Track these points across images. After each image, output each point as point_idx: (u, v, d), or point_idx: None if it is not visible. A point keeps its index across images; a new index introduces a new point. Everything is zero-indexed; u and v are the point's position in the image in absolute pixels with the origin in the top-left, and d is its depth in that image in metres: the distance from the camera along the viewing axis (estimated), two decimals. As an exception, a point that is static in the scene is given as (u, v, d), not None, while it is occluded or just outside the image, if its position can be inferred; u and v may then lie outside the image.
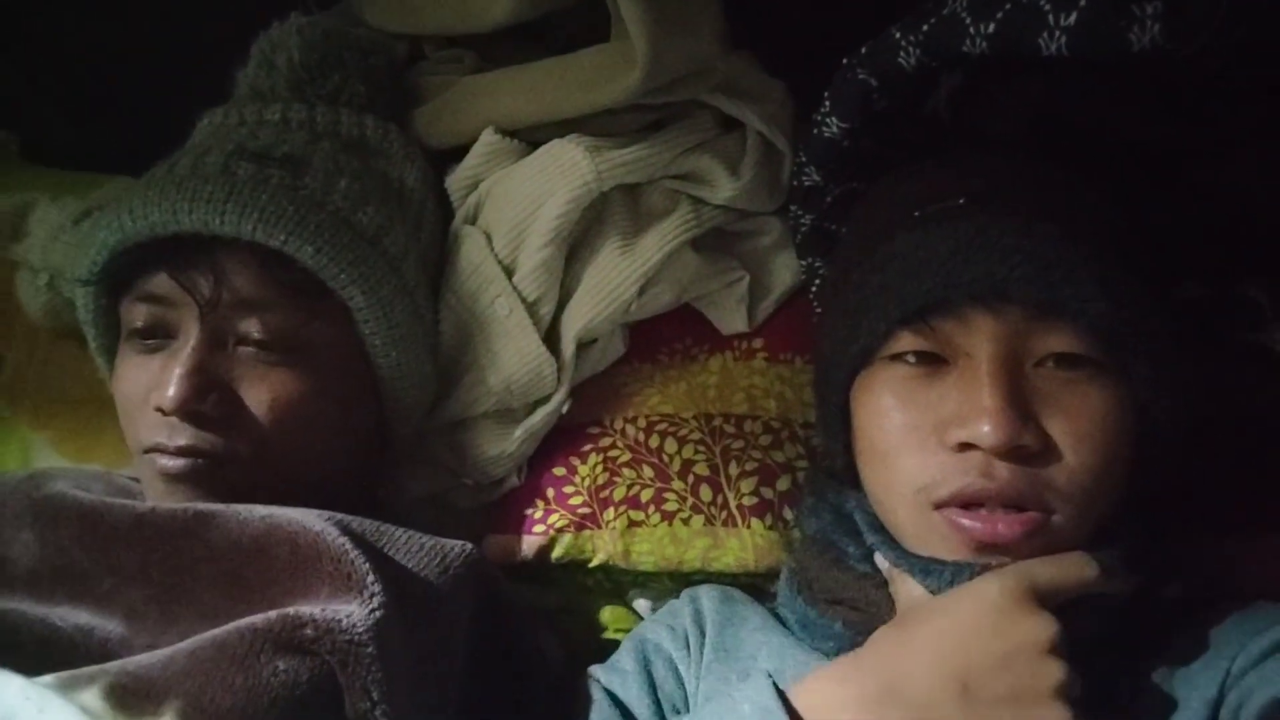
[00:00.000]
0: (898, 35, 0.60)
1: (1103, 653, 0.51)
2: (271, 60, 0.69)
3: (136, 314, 0.61)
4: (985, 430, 0.51)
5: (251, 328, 0.60)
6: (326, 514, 0.55)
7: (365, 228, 0.64)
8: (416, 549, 0.58)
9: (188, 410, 0.58)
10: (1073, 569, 0.52)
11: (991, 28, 0.56)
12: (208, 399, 0.59)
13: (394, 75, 0.75)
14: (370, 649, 0.50)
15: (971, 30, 0.57)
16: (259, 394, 0.60)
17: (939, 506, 0.54)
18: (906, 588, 0.55)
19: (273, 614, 0.50)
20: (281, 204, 0.61)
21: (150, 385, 0.60)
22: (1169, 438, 0.56)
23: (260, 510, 0.56)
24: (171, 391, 0.58)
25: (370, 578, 0.52)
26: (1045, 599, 0.50)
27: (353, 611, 0.50)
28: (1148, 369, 0.53)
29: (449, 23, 0.73)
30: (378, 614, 0.51)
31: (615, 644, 0.71)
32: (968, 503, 0.53)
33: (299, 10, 0.73)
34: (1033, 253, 0.53)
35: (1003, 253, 0.53)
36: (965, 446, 0.53)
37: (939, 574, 0.54)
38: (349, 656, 0.49)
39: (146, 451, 0.60)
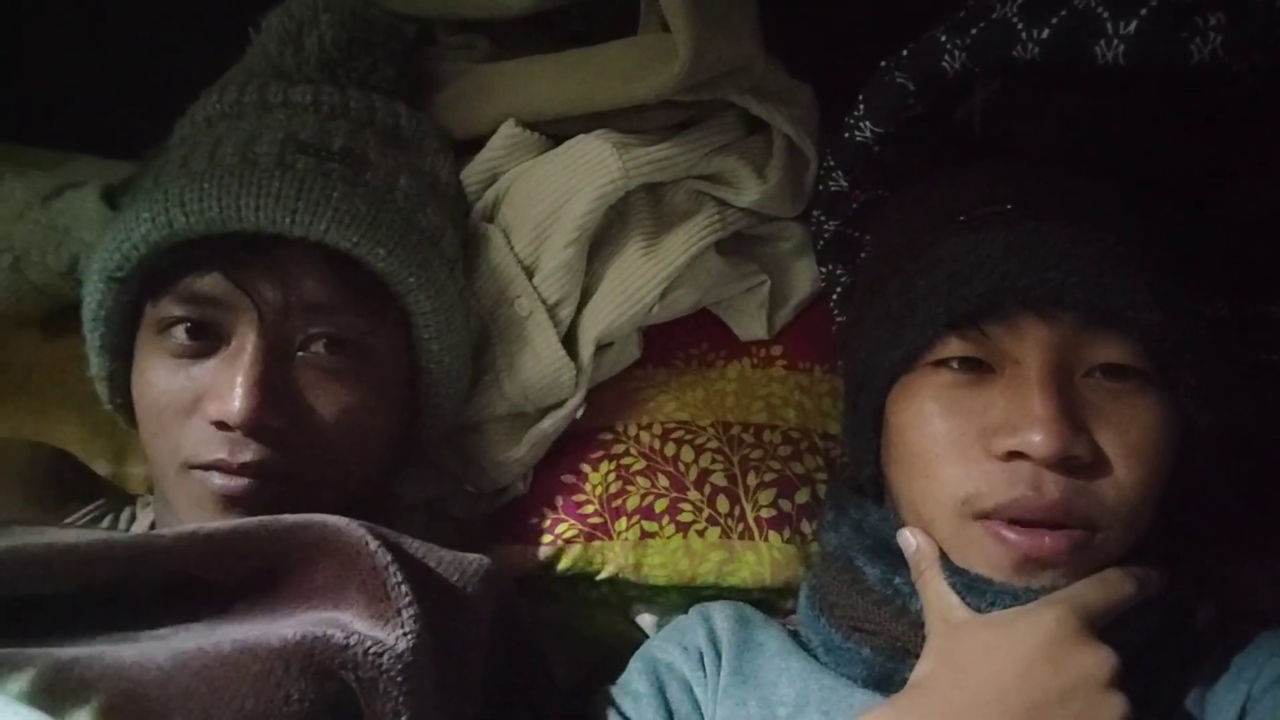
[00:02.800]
0: (943, 38, 0.59)
1: (1137, 676, 0.50)
2: (298, 38, 0.64)
3: (177, 316, 0.56)
4: (1037, 439, 0.50)
5: (318, 334, 0.56)
6: (359, 521, 0.51)
7: (427, 229, 0.61)
8: (435, 562, 0.55)
9: (256, 423, 0.53)
10: (1115, 589, 0.51)
11: (1045, 33, 0.55)
12: (276, 411, 0.54)
13: (412, 60, 0.71)
14: (402, 679, 0.46)
15: (1024, 35, 0.56)
16: (327, 405, 0.56)
17: (980, 518, 0.52)
18: (941, 602, 0.53)
19: (296, 633, 0.46)
20: (355, 203, 0.56)
21: (194, 395, 0.55)
22: (1207, 455, 0.55)
23: (289, 516, 0.51)
24: (239, 404, 0.53)
25: (407, 600, 0.48)
26: (1095, 625, 0.49)
27: (385, 639, 0.46)
28: (1196, 383, 0.53)
29: (467, 6, 0.69)
30: (412, 642, 0.47)
31: (616, 660, 0.68)
32: (1014, 517, 0.51)
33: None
34: (1088, 260, 0.52)
35: (1058, 258, 0.52)
36: (1013, 456, 0.51)
37: (982, 592, 0.52)
38: (377, 686, 0.46)
39: (195, 468, 0.55)
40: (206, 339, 0.56)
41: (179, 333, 0.56)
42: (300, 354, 0.57)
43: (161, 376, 0.56)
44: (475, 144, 0.70)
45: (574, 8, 0.70)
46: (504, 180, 0.68)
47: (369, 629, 0.47)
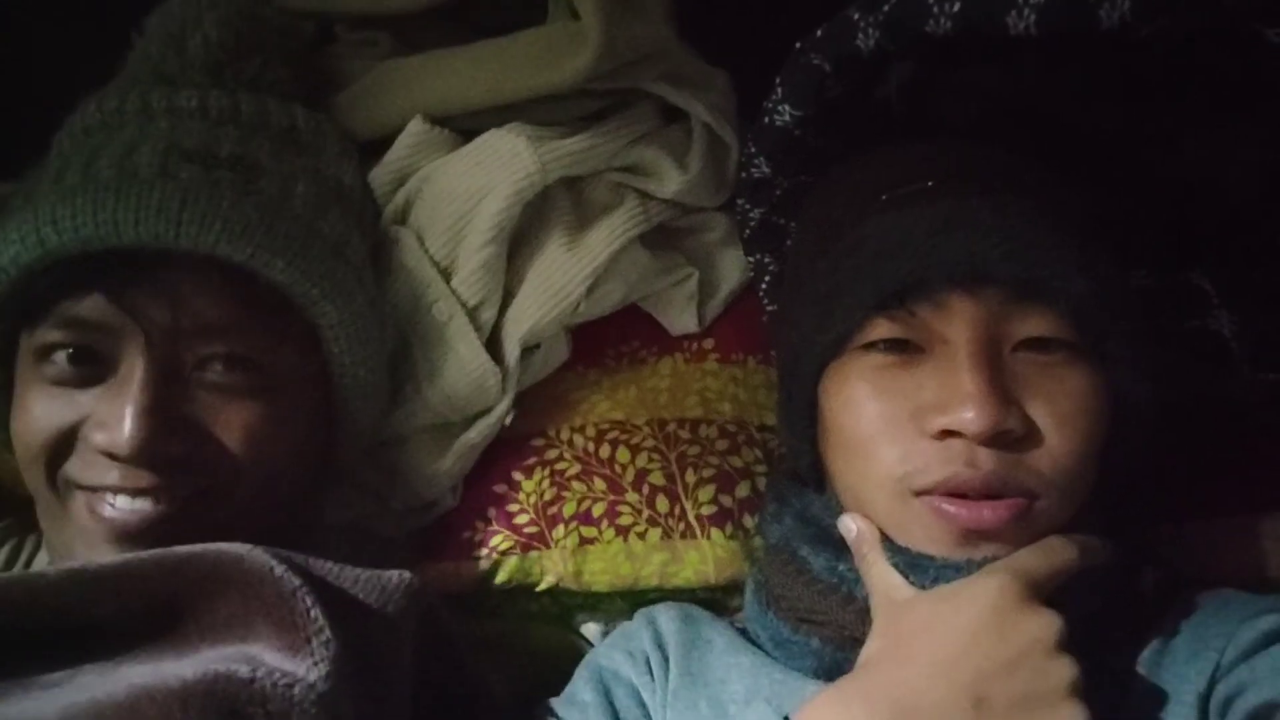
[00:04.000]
0: (855, 17, 0.58)
1: (1086, 643, 0.49)
2: (181, 40, 0.60)
3: (56, 342, 0.52)
4: (969, 416, 0.49)
5: (214, 354, 0.53)
6: (263, 548, 0.48)
7: (329, 236, 0.58)
8: (351, 583, 0.51)
9: (146, 453, 0.49)
10: (1058, 555, 0.50)
11: (957, 7, 0.54)
12: (168, 437, 0.51)
13: (310, 59, 0.67)
14: (316, 711, 0.43)
15: (935, 9, 0.55)
16: (229, 427, 0.53)
17: (918, 494, 0.52)
18: (884, 583, 0.52)
19: (197, 671, 0.42)
20: (246, 212, 0.53)
21: (76, 423, 0.51)
22: (1140, 422, 0.55)
23: (183, 548, 0.48)
24: (127, 432, 0.49)
25: (318, 626, 0.45)
26: (1039, 592, 0.48)
27: (296, 670, 0.43)
28: (1126, 352, 0.53)
29: (364, 2, 0.66)
30: (326, 670, 0.44)
31: (560, 674, 0.66)
32: (951, 492, 0.51)
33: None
34: (1012, 232, 0.51)
35: (982, 232, 0.51)
36: (947, 434, 0.51)
37: (925, 569, 0.51)
38: None
39: (83, 489, 0.51)
40: (90, 365, 0.52)
41: (60, 359, 0.52)
42: (196, 374, 0.53)
43: (43, 406, 0.52)
44: (382, 145, 0.67)
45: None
46: (414, 180, 0.65)
47: (279, 660, 0.44)
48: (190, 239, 0.51)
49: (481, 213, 0.62)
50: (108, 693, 0.42)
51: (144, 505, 0.51)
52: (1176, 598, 0.55)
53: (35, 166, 0.61)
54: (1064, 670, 0.46)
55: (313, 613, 0.45)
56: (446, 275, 0.63)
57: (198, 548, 0.48)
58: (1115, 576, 0.53)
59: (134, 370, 0.51)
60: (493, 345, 0.64)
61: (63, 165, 0.55)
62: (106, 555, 0.51)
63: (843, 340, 0.54)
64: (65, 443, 0.51)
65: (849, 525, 0.54)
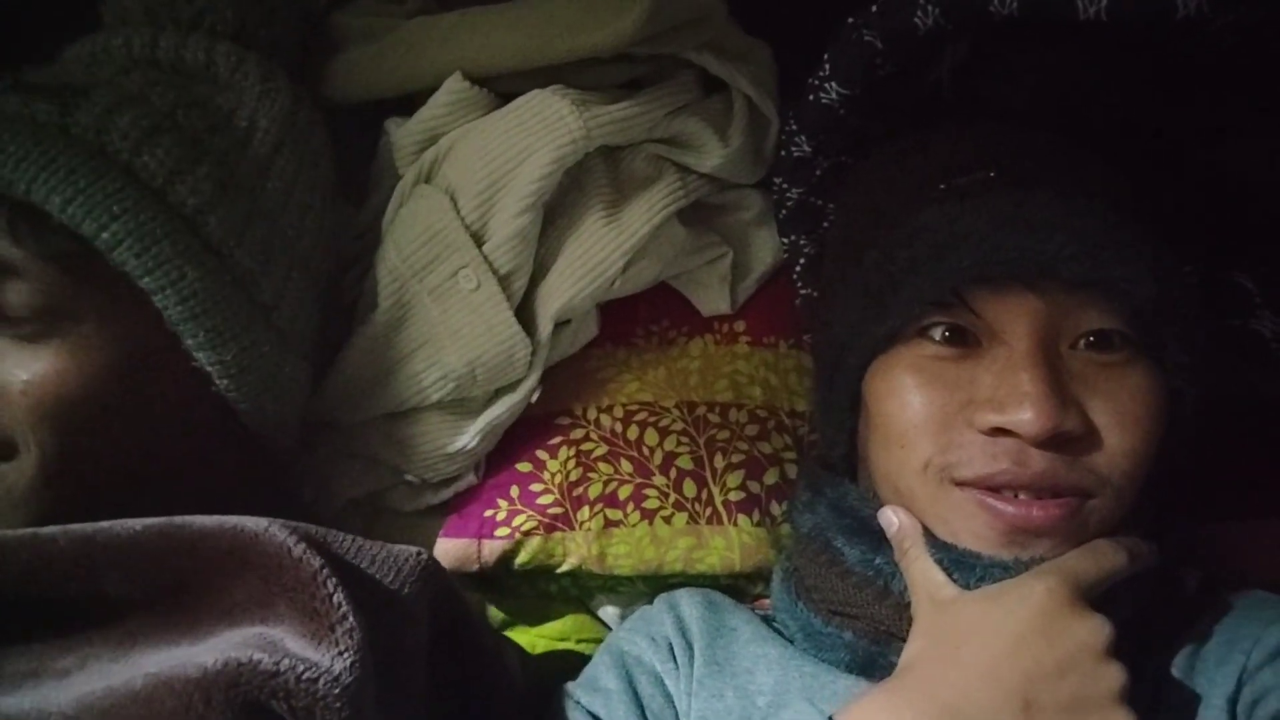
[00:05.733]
0: (914, -8, 0.56)
1: (1128, 646, 0.49)
2: None
3: None
4: (1027, 417, 0.48)
5: (10, 298, 0.49)
6: (280, 521, 0.45)
7: (150, 172, 0.52)
8: (368, 561, 0.49)
9: None
10: (1107, 559, 0.49)
11: (1029, -12, 0.52)
12: None
13: (296, 9, 0.63)
14: (340, 705, 0.41)
15: (1001, -9, 0.53)
16: (10, 377, 0.49)
17: (960, 485, 0.50)
18: (927, 581, 0.51)
19: (218, 660, 0.40)
20: (24, 143, 0.49)
21: None
22: (1189, 423, 0.54)
23: (201, 519, 0.45)
24: None
25: (343, 613, 0.43)
26: (1087, 596, 0.48)
27: (320, 661, 0.41)
28: (1184, 353, 0.52)
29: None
30: (351, 661, 0.42)
31: (577, 656, 0.65)
32: (995, 487, 0.50)
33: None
34: (1078, 229, 0.50)
35: (1046, 229, 0.50)
36: (999, 432, 0.49)
37: (971, 567, 0.50)
38: (314, 715, 0.40)
39: None
40: None
41: None
42: None
43: None
44: (405, 105, 0.64)
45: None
46: (447, 140, 0.62)
47: (302, 649, 0.41)
48: None
49: (520, 177, 0.59)
50: (124, 681, 0.40)
51: None
52: (1212, 600, 0.55)
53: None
54: (1113, 676, 0.45)
55: (336, 598, 0.43)
56: (478, 240, 0.60)
57: (213, 521, 0.45)
58: (1157, 579, 0.53)
59: None
60: (521, 318, 0.61)
61: None
62: None
63: (896, 333, 0.53)
64: None
65: (890, 518, 0.53)
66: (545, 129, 0.59)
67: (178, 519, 0.46)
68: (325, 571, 0.44)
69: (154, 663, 0.42)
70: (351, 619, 0.43)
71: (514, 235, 0.59)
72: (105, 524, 0.46)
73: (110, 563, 0.45)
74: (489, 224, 0.60)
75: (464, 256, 0.60)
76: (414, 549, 0.52)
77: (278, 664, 0.41)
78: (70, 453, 0.50)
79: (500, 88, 0.62)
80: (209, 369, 0.54)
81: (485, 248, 0.60)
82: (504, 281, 0.60)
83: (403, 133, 0.63)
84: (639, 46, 0.59)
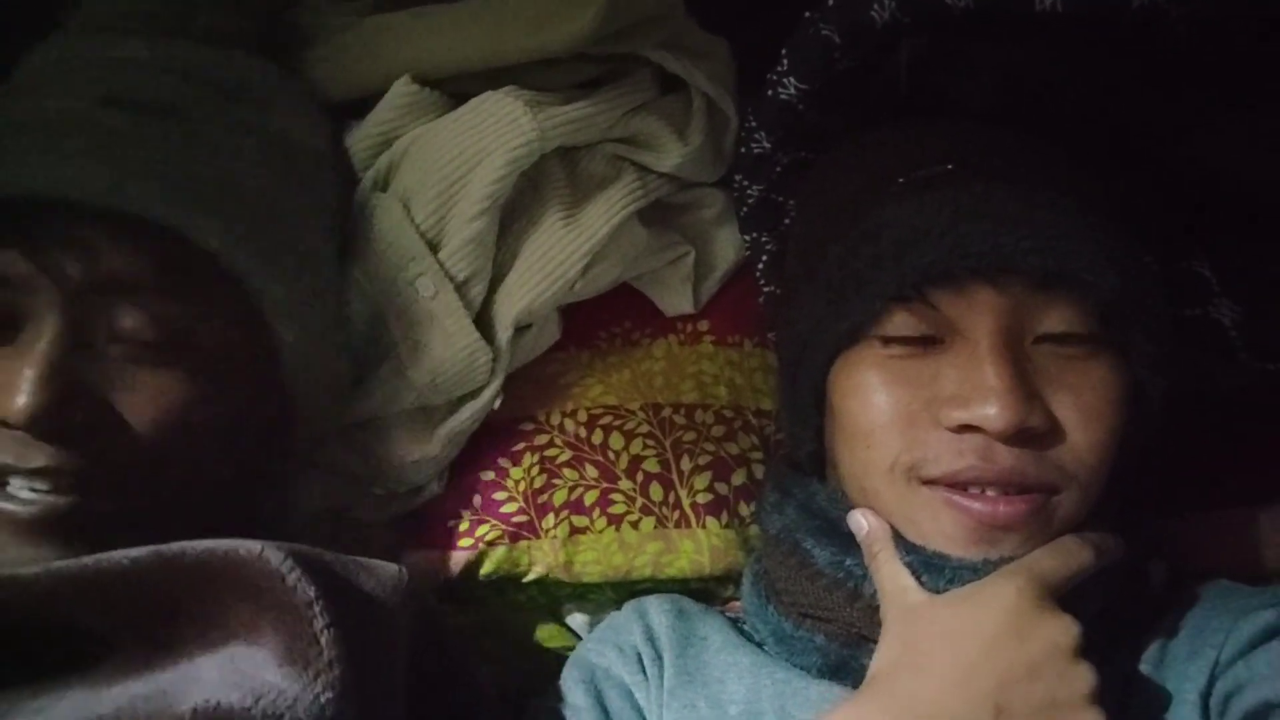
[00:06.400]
0: (873, -17, 0.56)
1: (1096, 642, 0.49)
2: None
3: None
4: (991, 413, 0.48)
5: (128, 320, 0.48)
6: (275, 544, 0.44)
7: (262, 196, 0.53)
8: (355, 578, 0.48)
9: (45, 421, 0.45)
10: (1074, 556, 0.49)
11: (984, -21, 0.52)
12: (72, 408, 0.46)
13: (275, 9, 0.62)
14: None
15: (958, -18, 0.53)
16: (137, 403, 0.48)
17: (926, 483, 0.50)
18: (896, 585, 0.50)
19: (192, 705, 0.39)
20: (169, 166, 0.48)
21: None
22: (1152, 414, 0.54)
23: (193, 545, 0.44)
24: (24, 398, 0.44)
25: (333, 653, 0.41)
26: (1055, 594, 0.47)
27: (302, 697, 0.40)
28: (1149, 345, 0.52)
29: (341, -49, 0.62)
30: (331, 704, 0.40)
31: (546, 665, 0.64)
32: (961, 484, 0.49)
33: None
34: (1040, 223, 0.49)
35: (1009, 222, 0.49)
36: (965, 429, 0.49)
37: (940, 569, 0.50)
38: None
39: None
40: (3, 324, 0.47)
41: None
42: (112, 344, 0.48)
43: None
44: (362, 106, 0.62)
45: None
46: (399, 144, 0.60)
47: (280, 678, 0.40)
48: (102, 190, 0.46)
49: (474, 181, 0.57)
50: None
51: (44, 492, 0.46)
52: (1179, 593, 0.55)
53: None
54: (1084, 676, 0.45)
55: (324, 635, 0.42)
56: (434, 247, 0.59)
57: (205, 545, 0.44)
58: (1125, 574, 0.53)
59: (42, 329, 0.47)
60: (481, 324, 0.60)
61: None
62: (5, 554, 0.46)
63: (857, 329, 0.52)
64: None
65: (860, 522, 0.53)
66: (499, 131, 0.57)
67: (168, 547, 0.45)
68: (319, 605, 0.43)
69: (130, 697, 0.40)
70: (335, 654, 0.42)
71: (469, 240, 0.58)
72: (94, 559, 0.44)
73: (96, 598, 0.43)
74: (445, 230, 0.59)
75: (420, 265, 0.58)
76: (394, 566, 0.51)
77: (256, 702, 0.40)
78: (170, 478, 0.49)
79: (454, 89, 0.61)
80: (293, 371, 0.54)
81: (441, 254, 0.59)
82: (461, 288, 0.59)
83: (356, 137, 0.62)
84: (596, 46, 0.57)
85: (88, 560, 0.44)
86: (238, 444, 0.53)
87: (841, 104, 0.60)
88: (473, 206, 0.57)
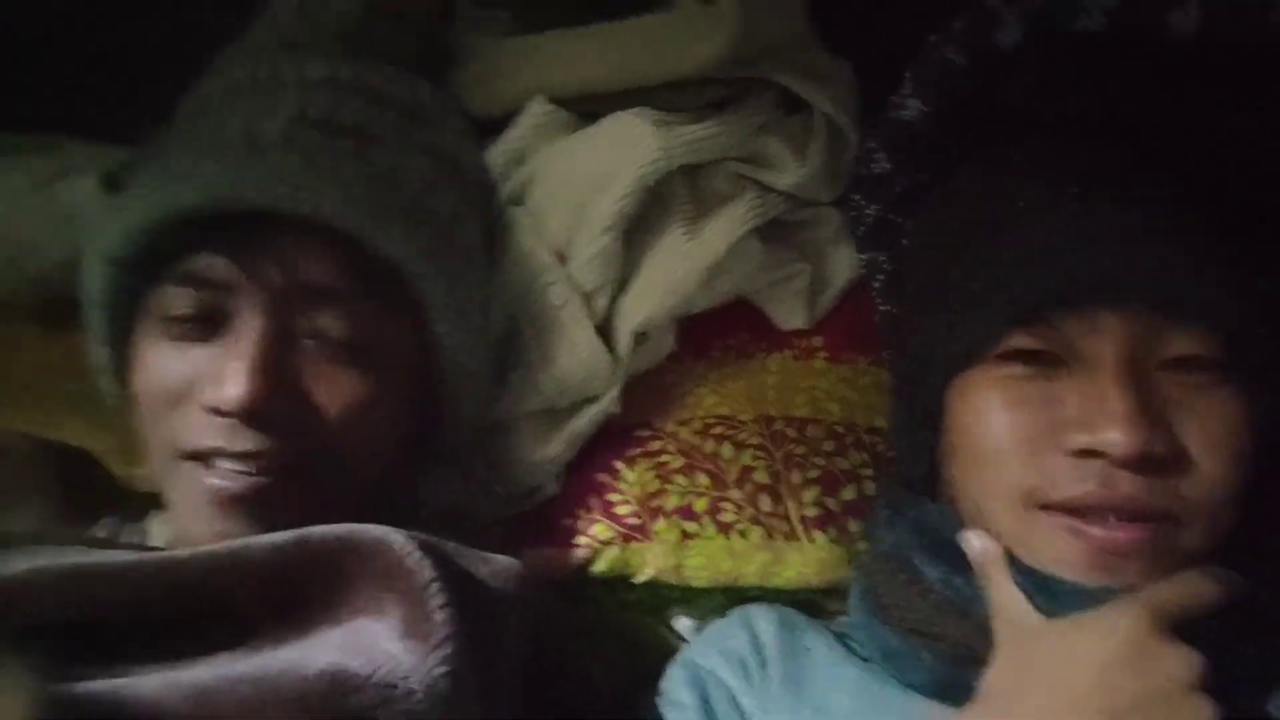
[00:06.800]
0: (997, 10, 0.56)
1: (1221, 683, 0.47)
2: (315, 10, 0.60)
3: (179, 299, 0.52)
4: (1114, 438, 0.47)
5: (324, 321, 0.53)
6: (401, 531, 0.48)
7: (441, 212, 0.57)
8: (475, 570, 0.51)
9: (255, 410, 0.49)
10: (1197, 590, 0.48)
11: (1115, 2, 0.52)
12: (276, 397, 0.50)
13: (432, 32, 0.67)
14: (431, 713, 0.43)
15: (1089, 5, 0.53)
16: (328, 394, 0.52)
17: (1046, 509, 0.50)
18: (1010, 607, 0.50)
19: (311, 672, 0.42)
20: (362, 183, 0.53)
21: (191, 380, 0.51)
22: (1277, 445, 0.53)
23: (322, 529, 0.48)
24: (234, 389, 0.49)
25: (449, 629, 0.44)
26: (1175, 627, 0.46)
27: (417, 669, 0.43)
28: (1274, 372, 0.50)
29: (486, -22, 0.66)
30: (446, 678, 0.43)
31: (653, 666, 0.65)
32: (1080, 510, 0.49)
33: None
34: (1163, 247, 0.49)
35: (1131, 248, 0.49)
36: (1087, 453, 0.49)
37: (1054, 593, 0.49)
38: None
39: (189, 458, 0.51)
40: (208, 323, 0.52)
41: (179, 316, 0.52)
42: (304, 340, 0.53)
43: (160, 361, 0.52)
44: (500, 123, 0.66)
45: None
46: (533, 162, 0.64)
47: (401, 651, 0.43)
48: (307, 204, 0.51)
49: (602, 198, 0.61)
50: (232, 682, 0.42)
51: (246, 472, 0.51)
52: None
53: (158, 131, 0.61)
54: (1201, 711, 0.44)
55: (440, 613, 0.44)
56: (563, 259, 0.62)
57: (342, 531, 0.48)
58: (1251, 611, 0.51)
59: (248, 328, 0.51)
60: (603, 332, 0.63)
61: (191, 129, 0.56)
62: (211, 526, 0.51)
63: (977, 351, 0.52)
64: (178, 401, 0.52)
65: (973, 541, 0.53)
66: (626, 151, 0.60)
67: (307, 531, 0.48)
68: (436, 585, 0.45)
69: (265, 661, 0.44)
70: (450, 631, 0.45)
71: (597, 254, 0.61)
72: (242, 543, 0.48)
73: (249, 577, 0.47)
74: (574, 243, 0.62)
75: (550, 276, 0.62)
76: (512, 560, 0.54)
77: (374, 670, 0.43)
78: (350, 468, 0.54)
79: (586, 109, 0.64)
80: (452, 375, 0.59)
81: (570, 266, 0.62)
82: (587, 298, 0.62)
83: (494, 153, 0.66)
84: (723, 70, 0.60)
85: (237, 544, 0.48)
86: (401, 440, 0.58)
87: (963, 125, 0.61)
88: (600, 222, 0.61)
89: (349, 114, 0.56)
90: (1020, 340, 0.51)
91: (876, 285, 0.70)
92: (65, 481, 0.60)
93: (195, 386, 0.52)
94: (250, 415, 0.50)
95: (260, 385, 0.50)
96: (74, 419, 0.67)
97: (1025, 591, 0.50)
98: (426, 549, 0.47)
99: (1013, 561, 0.51)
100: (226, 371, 0.50)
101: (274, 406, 0.51)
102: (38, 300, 0.69)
